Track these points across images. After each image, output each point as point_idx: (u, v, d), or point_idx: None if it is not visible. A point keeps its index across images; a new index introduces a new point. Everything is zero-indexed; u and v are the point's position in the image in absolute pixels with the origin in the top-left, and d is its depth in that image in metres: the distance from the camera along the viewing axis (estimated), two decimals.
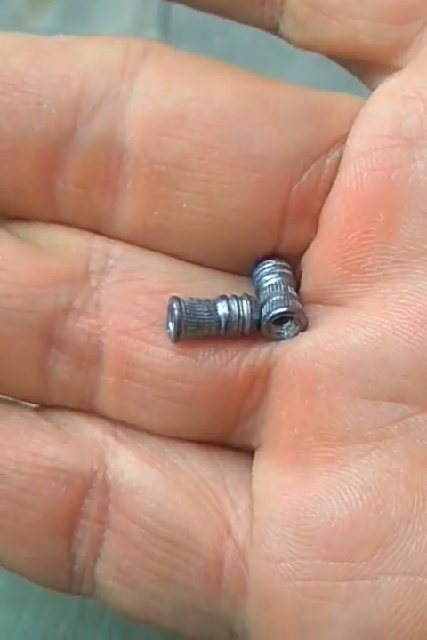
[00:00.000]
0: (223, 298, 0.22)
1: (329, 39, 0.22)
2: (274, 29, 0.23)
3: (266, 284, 0.22)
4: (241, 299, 0.22)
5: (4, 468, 0.22)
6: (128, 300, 0.22)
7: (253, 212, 0.22)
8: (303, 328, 0.22)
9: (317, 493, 0.21)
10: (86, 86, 0.22)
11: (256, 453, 0.23)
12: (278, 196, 0.22)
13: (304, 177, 0.22)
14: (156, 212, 0.22)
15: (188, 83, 0.22)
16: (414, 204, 0.21)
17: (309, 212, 0.22)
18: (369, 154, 0.21)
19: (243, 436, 0.23)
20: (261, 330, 0.22)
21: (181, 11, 0.25)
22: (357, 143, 0.22)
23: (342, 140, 0.22)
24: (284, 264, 0.23)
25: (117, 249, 0.22)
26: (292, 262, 0.23)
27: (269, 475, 0.22)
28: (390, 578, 0.20)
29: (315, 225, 0.22)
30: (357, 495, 0.21)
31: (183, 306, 0.22)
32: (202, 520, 0.22)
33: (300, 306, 0.22)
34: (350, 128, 0.22)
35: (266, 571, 0.21)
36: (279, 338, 0.22)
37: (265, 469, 0.22)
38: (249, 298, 0.22)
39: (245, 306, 0.22)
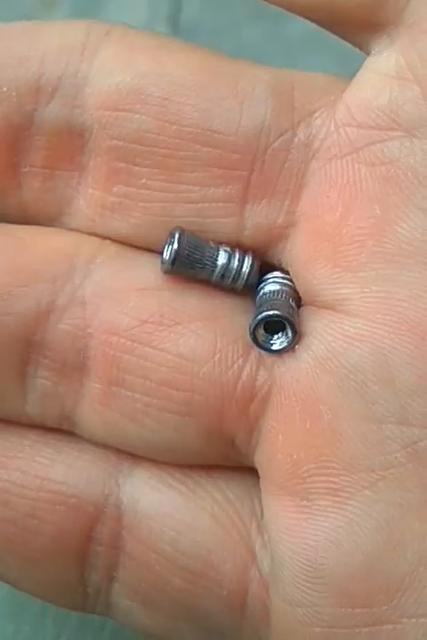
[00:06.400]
0: (226, 249, 0.21)
1: None
2: None
3: (263, 291, 0.22)
4: (245, 255, 0.21)
5: (9, 492, 0.21)
6: (117, 297, 0.21)
7: (214, 189, 0.21)
8: (295, 341, 0.21)
9: (325, 536, 0.20)
10: (45, 67, 0.21)
11: (260, 478, 0.21)
12: (240, 173, 0.21)
13: (267, 154, 0.21)
14: (115, 188, 0.21)
15: (146, 58, 0.21)
16: (413, 200, 0.20)
17: (274, 192, 0.21)
18: (367, 148, 0.20)
19: (237, 460, 0.21)
20: (251, 334, 0.21)
21: (191, 8, 0.25)
22: (353, 135, 0.20)
23: (310, 118, 0.21)
24: (287, 276, 0.22)
25: (105, 245, 0.22)
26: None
27: (272, 506, 0.21)
28: (413, 620, 0.19)
29: (280, 208, 0.21)
30: (370, 537, 0.19)
31: (183, 239, 0.21)
32: (225, 548, 0.21)
33: (293, 315, 0.21)
34: (317, 105, 0.21)
35: (285, 612, 0.20)
36: (268, 348, 0.21)
37: (267, 498, 0.21)
38: (253, 257, 0.21)
39: (246, 263, 0.21)
